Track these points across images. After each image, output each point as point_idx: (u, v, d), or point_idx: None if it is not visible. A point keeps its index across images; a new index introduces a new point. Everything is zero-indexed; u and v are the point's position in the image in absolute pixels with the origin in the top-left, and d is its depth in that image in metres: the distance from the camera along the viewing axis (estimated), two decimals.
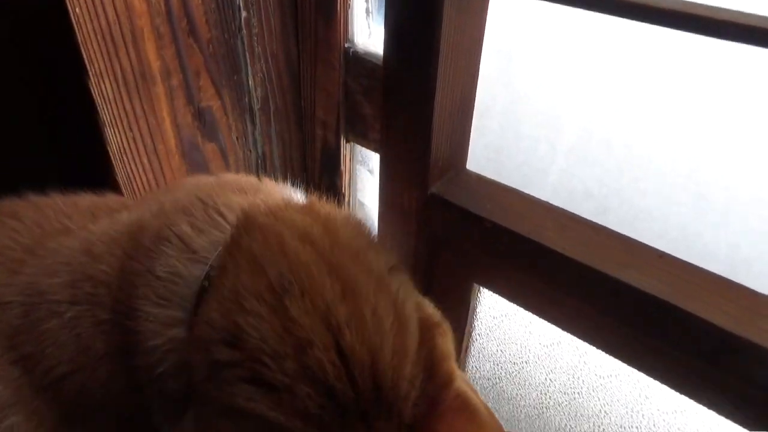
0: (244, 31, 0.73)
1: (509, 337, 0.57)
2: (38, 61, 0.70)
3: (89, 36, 0.59)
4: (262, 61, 0.75)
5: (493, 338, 0.57)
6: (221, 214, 0.42)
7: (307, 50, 0.73)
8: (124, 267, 0.41)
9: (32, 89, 0.74)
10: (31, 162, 0.82)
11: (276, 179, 0.86)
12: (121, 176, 0.67)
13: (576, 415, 0.57)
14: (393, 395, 0.32)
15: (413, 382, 0.32)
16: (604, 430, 0.57)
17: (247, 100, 0.79)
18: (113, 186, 0.68)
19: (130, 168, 0.68)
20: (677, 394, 0.48)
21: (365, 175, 0.83)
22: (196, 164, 0.75)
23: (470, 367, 0.60)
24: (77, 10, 0.56)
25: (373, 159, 0.78)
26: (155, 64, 0.64)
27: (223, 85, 0.75)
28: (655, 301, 0.39)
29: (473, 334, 0.58)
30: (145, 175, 0.69)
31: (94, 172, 0.69)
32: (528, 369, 0.59)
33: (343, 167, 0.79)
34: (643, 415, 0.53)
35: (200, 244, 0.40)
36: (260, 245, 0.36)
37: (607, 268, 0.41)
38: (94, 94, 0.60)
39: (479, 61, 0.48)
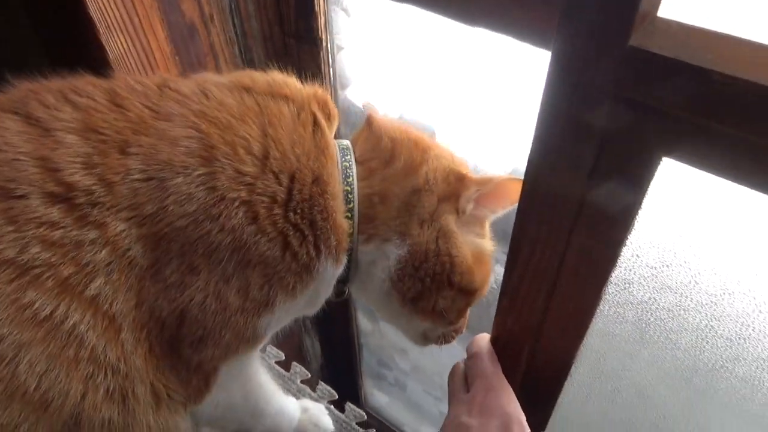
0: None
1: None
2: None
3: None
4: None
5: (663, 222, 0.54)
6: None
7: None
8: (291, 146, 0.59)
9: None
10: None
11: (252, 27, 0.93)
12: (93, 10, 0.70)
13: (679, 329, 0.59)
14: None
15: None
16: (708, 342, 0.59)
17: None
18: (87, 23, 0.70)
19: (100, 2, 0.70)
20: None
21: (341, 16, 0.89)
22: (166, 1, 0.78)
23: (629, 255, 0.57)
24: None
25: None
26: None
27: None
28: None
29: (638, 218, 0.54)
30: (118, 10, 0.73)
31: (68, 12, 0.71)
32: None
33: (317, 9, 0.86)
34: (753, 329, 0.54)
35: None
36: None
37: None
38: None
39: None
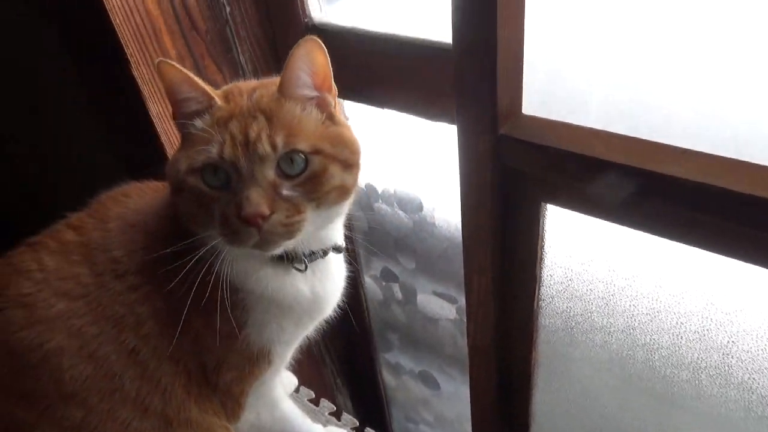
0: (230, 21, 1.00)
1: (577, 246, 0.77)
2: (88, 61, 1.03)
3: (128, 39, 0.89)
4: (247, 42, 1.04)
5: (561, 249, 0.78)
6: None
7: (278, 28, 1.02)
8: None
9: (84, 84, 1.08)
10: (89, 139, 1.16)
11: None
12: (163, 136, 0.98)
13: (590, 329, 0.74)
14: None
15: None
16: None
17: (240, 72, 1.07)
18: (158, 145, 0.99)
19: (168, 130, 0.98)
20: None
21: None
22: None
23: (545, 275, 0.80)
24: (117, 20, 0.87)
25: None
26: (172, 52, 0.95)
27: (222, 63, 1.04)
28: (684, 182, 0.58)
29: (545, 247, 0.78)
30: (178, 135, 0.96)
31: (143, 135, 0.99)
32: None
33: None
34: (637, 320, 0.70)
35: None
36: None
37: (645, 165, 0.61)
38: (136, 77, 0.91)
39: (524, 30, 0.68)
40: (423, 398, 1.63)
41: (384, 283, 1.43)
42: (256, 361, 0.76)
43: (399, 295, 1.41)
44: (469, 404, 1.45)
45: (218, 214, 0.64)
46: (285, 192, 0.62)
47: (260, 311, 0.73)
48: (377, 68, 0.90)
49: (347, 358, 1.64)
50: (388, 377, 1.68)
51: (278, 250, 0.67)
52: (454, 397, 1.53)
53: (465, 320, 1.29)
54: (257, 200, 0.60)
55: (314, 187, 0.63)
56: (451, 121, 0.92)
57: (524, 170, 0.71)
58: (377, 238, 1.33)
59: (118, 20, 0.88)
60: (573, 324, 0.82)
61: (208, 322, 0.72)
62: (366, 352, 1.62)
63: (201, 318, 0.71)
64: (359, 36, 0.90)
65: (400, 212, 1.24)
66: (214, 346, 0.74)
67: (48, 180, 1.36)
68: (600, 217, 0.69)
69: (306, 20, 0.99)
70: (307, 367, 1.46)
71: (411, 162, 1.15)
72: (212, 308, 0.70)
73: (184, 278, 0.67)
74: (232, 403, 0.80)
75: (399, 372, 1.64)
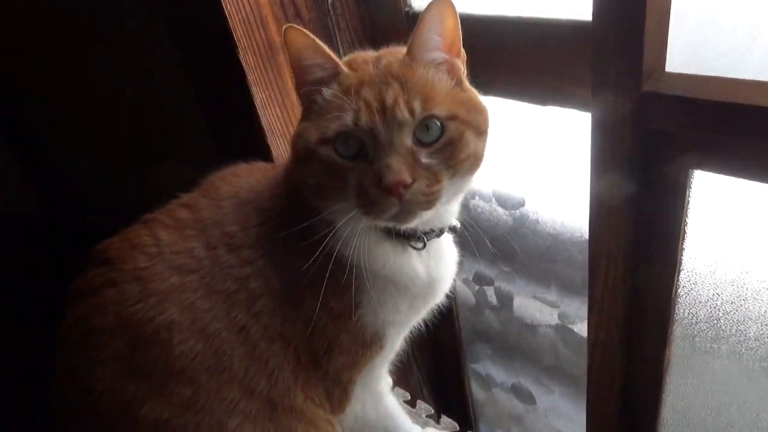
0: (331, 11, 1.00)
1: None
2: (193, 49, 1.04)
3: (236, 25, 0.89)
4: (346, 33, 1.04)
5: (708, 225, 0.69)
6: None
7: (377, 17, 1.01)
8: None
9: (187, 71, 1.10)
10: (191, 124, 1.18)
11: None
12: (264, 122, 0.98)
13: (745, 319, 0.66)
14: None
15: None
16: None
17: None
18: (260, 131, 0.99)
19: (270, 117, 0.99)
20: None
21: None
22: None
23: (686, 258, 0.71)
24: (228, 7, 0.87)
25: None
26: (277, 40, 0.95)
27: None
28: None
29: (688, 224, 0.69)
30: (280, 122, 1.00)
31: (244, 121, 1.00)
32: None
33: None
34: None
35: None
36: None
37: None
38: (242, 63, 0.92)
39: None
40: (516, 413, 1.53)
41: (477, 287, 1.36)
42: (368, 345, 0.73)
43: (493, 299, 1.34)
44: (569, 420, 1.34)
45: (354, 185, 0.61)
46: (423, 160, 0.60)
47: (377, 290, 0.70)
48: (488, 53, 0.85)
49: (434, 368, 1.57)
50: (476, 390, 1.60)
51: (415, 222, 0.63)
52: (551, 413, 1.42)
53: (568, 326, 1.20)
54: (398, 168, 0.58)
55: (451, 154, 0.61)
56: (561, 104, 0.85)
57: (671, 131, 0.63)
58: (470, 238, 1.27)
59: (229, 7, 0.89)
60: (720, 314, 0.72)
61: (323, 301, 0.69)
62: (454, 362, 1.54)
63: (315, 296, 0.68)
64: (468, 21, 0.86)
65: (499, 209, 1.17)
66: (326, 326, 0.71)
67: (150, 162, 1.41)
68: (760, 180, 0.60)
69: (407, 9, 0.97)
70: (393, 376, 1.40)
71: (512, 158, 1.09)
72: (328, 286, 0.68)
73: (301, 254, 0.66)
74: (339, 392, 0.77)
75: (489, 384, 1.55)
